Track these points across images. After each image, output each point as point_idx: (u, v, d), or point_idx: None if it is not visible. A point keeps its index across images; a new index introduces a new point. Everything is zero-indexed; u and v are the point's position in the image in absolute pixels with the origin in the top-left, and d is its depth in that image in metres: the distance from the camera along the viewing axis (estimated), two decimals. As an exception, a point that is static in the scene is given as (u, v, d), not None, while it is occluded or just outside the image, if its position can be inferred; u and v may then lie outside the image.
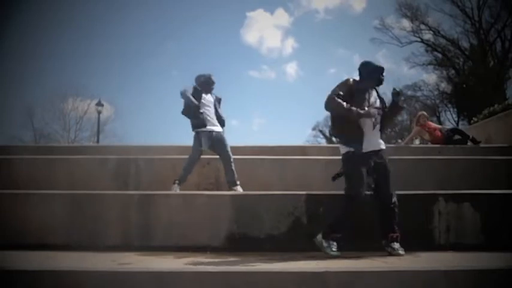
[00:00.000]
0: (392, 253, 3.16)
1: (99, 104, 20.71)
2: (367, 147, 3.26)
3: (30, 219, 3.58)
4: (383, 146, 3.37)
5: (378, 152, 3.31)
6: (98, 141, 21.10)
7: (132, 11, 42.81)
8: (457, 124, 23.24)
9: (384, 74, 3.37)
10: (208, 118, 4.96)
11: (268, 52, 46.28)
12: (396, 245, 3.19)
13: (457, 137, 7.45)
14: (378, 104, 3.38)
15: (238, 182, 4.79)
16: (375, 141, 3.32)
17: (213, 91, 5.18)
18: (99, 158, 5.49)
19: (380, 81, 3.39)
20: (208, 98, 5.08)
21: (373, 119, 3.29)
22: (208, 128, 4.93)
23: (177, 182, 4.71)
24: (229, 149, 4.91)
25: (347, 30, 44.49)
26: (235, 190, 4.69)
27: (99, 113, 20.75)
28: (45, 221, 3.59)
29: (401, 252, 3.15)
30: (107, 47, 41.48)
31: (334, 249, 3.12)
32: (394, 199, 3.25)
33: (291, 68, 48.28)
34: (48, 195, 3.80)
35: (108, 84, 39.61)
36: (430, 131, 7.61)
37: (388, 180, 3.29)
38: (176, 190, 4.60)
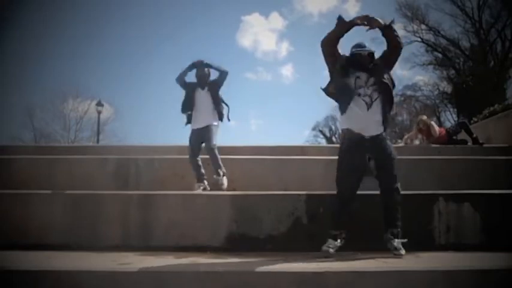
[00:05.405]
0: (392, 251, 3.04)
1: (99, 104, 20.74)
2: (362, 130, 3.15)
3: (30, 219, 3.58)
4: (381, 130, 3.17)
5: (376, 137, 3.16)
6: (97, 141, 21.12)
7: (131, 11, 42.85)
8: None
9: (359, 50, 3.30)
10: (198, 116, 5.00)
11: (263, 55, 46.34)
12: (396, 243, 3.04)
13: (459, 137, 7.45)
14: (371, 81, 3.21)
15: (221, 173, 4.84)
16: (371, 124, 3.15)
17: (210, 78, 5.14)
18: (99, 158, 5.50)
19: (354, 57, 3.32)
20: (202, 93, 5.06)
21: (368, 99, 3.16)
22: (195, 126, 4.99)
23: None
24: (212, 141, 4.91)
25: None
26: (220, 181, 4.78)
27: (99, 113, 20.78)
28: (45, 221, 3.58)
29: (402, 252, 3.01)
30: (106, 47, 41.55)
31: (326, 246, 3.07)
32: (397, 185, 3.15)
33: (287, 71, 48.31)
34: (48, 195, 3.79)
35: (108, 84, 39.64)
36: (430, 135, 7.56)
37: (392, 164, 3.16)
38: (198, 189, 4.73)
